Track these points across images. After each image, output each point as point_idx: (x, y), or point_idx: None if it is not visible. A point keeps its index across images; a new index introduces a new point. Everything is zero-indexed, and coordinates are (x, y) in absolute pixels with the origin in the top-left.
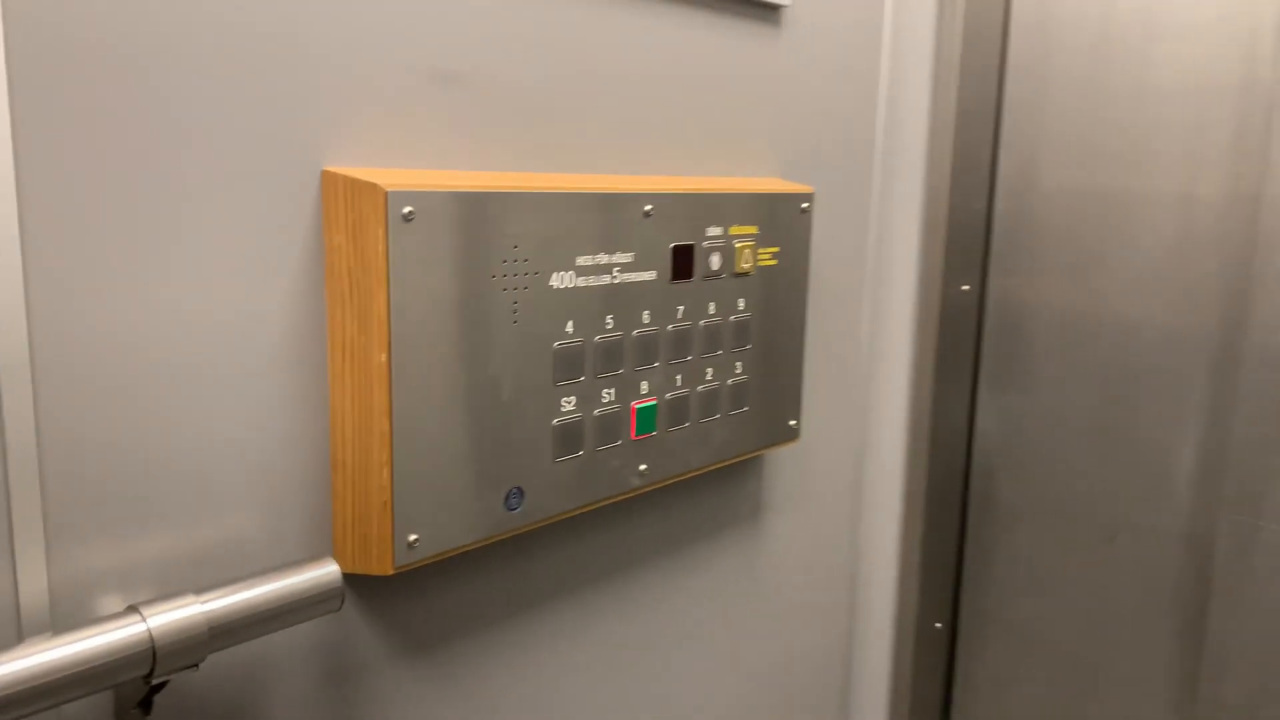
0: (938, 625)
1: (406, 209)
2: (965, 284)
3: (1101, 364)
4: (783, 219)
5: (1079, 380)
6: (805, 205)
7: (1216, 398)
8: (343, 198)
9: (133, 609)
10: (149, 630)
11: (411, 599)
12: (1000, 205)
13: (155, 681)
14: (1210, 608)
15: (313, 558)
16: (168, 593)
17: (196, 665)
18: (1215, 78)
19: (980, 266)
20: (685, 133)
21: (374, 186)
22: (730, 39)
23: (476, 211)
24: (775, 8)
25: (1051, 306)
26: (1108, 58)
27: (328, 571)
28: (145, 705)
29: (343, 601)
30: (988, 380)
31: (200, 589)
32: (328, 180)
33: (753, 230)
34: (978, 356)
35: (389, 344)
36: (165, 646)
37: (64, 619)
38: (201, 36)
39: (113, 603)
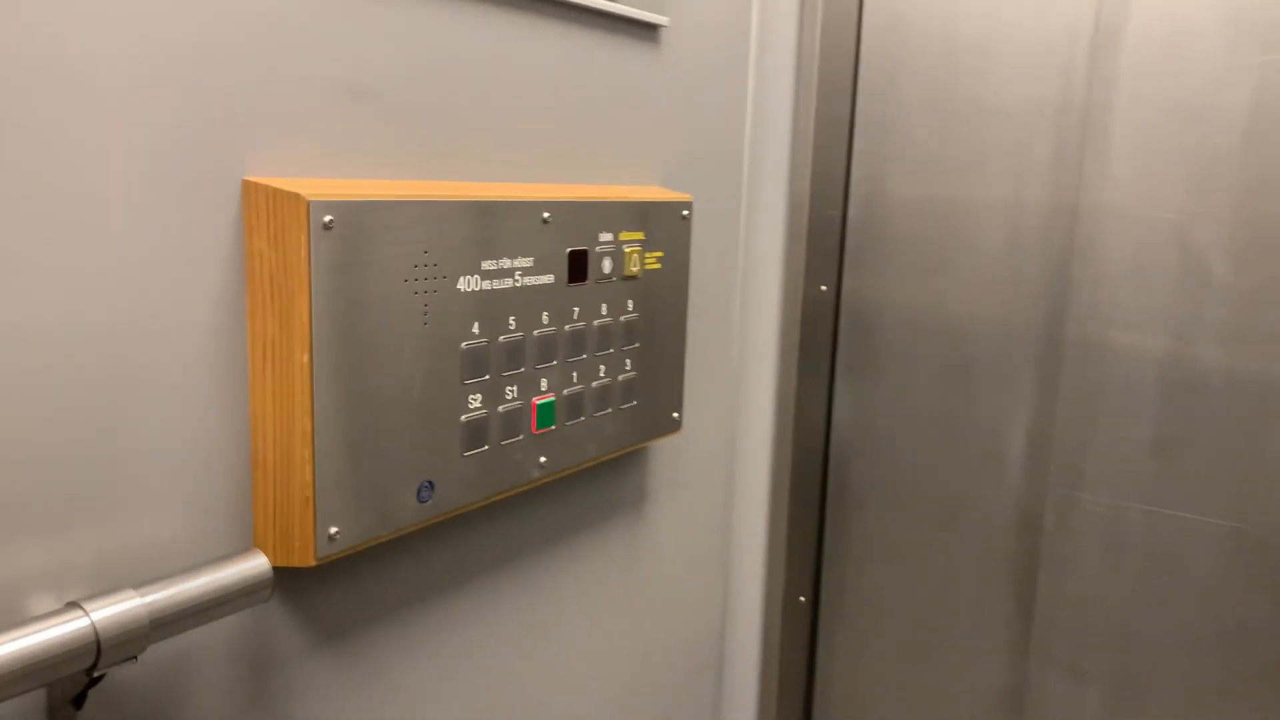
0: (801, 599)
1: (327, 218)
2: (823, 285)
3: (942, 356)
4: (666, 225)
5: (923, 372)
6: (685, 213)
7: (1041, 385)
8: (264, 206)
9: (74, 604)
10: (92, 624)
11: (329, 589)
12: (853, 213)
13: (96, 674)
14: (1039, 573)
15: (242, 551)
16: (104, 589)
17: (135, 658)
18: (1038, 100)
19: (836, 269)
20: (576, 144)
21: (297, 196)
22: (615, 56)
23: (390, 219)
24: (654, 27)
25: (899, 305)
26: (947, 81)
27: (258, 564)
28: (79, 700)
29: (272, 592)
30: (844, 372)
31: (135, 584)
32: (248, 189)
33: (640, 236)
34: (834, 351)
35: (310, 345)
36: (108, 640)
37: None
38: (129, 49)
39: (46, 601)
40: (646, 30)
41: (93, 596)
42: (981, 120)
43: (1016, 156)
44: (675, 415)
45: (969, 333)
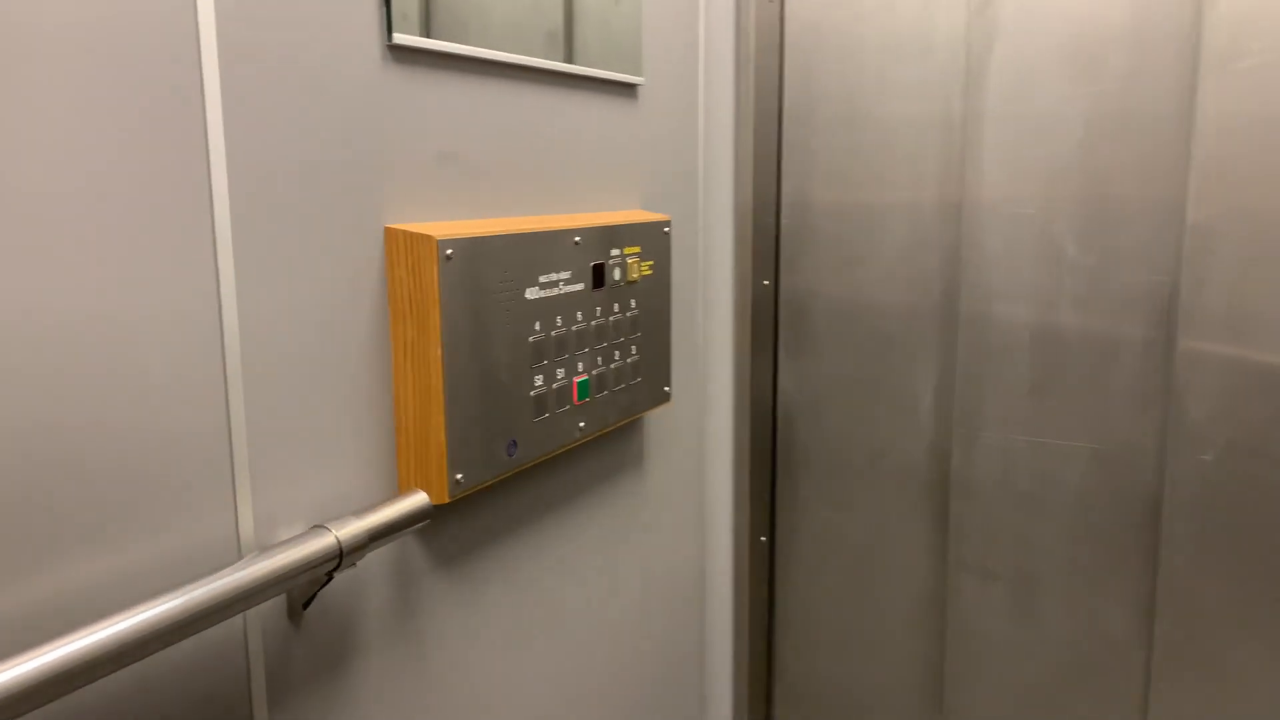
0: (762, 538)
1: (449, 251)
2: (765, 280)
3: (863, 335)
4: (652, 240)
5: (849, 346)
6: (666, 229)
7: (942, 350)
8: (403, 244)
9: (320, 526)
10: (336, 538)
11: (449, 524)
12: (785, 220)
13: (336, 573)
14: (950, 497)
15: (411, 492)
16: (329, 517)
17: (355, 564)
18: (928, 117)
19: (774, 267)
20: (587, 180)
21: (429, 237)
22: (611, 111)
23: (484, 250)
24: (634, 86)
25: (826, 293)
26: (854, 108)
27: (422, 499)
28: (308, 603)
29: (431, 518)
30: (785, 351)
31: (339, 516)
32: (389, 233)
33: (637, 250)
34: (776, 334)
35: (441, 343)
36: (346, 548)
37: (263, 539)
38: (309, 146)
39: (293, 528)
40: (629, 89)
41: (330, 520)
42: (883, 137)
43: (912, 166)
44: (666, 389)
45: (883, 312)
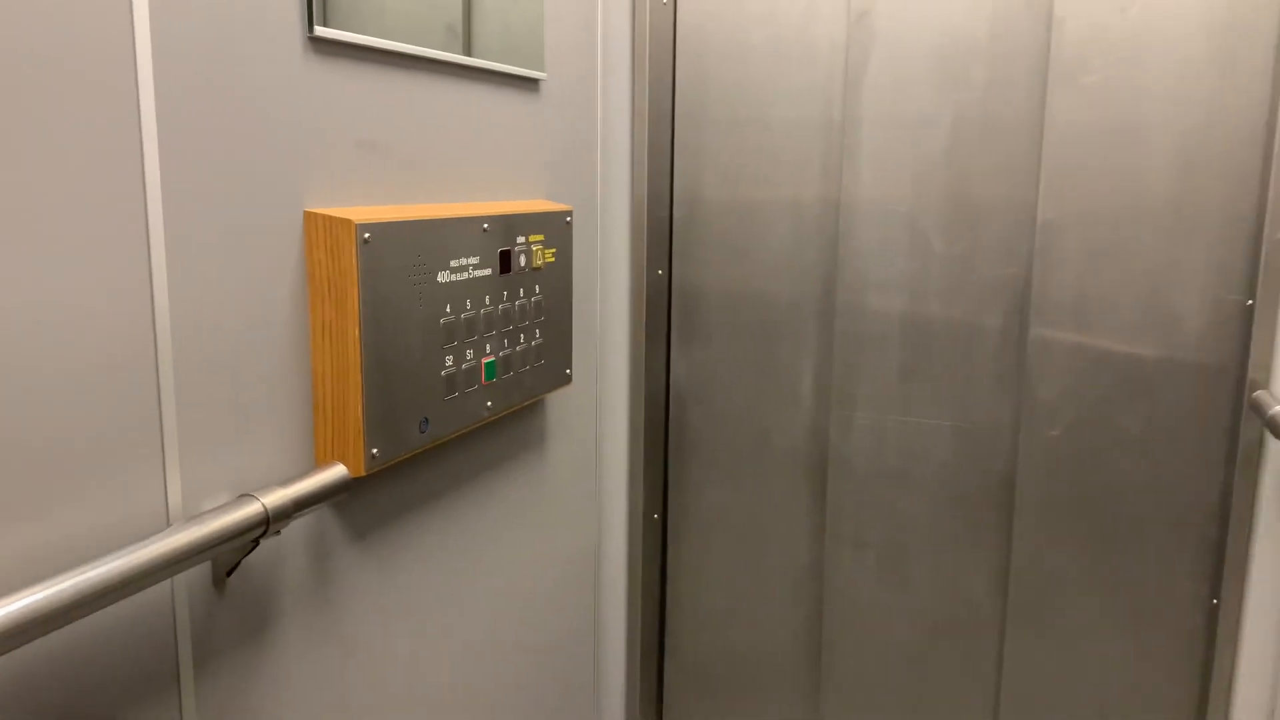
0: (655, 516)
1: (366, 235)
2: (660, 270)
3: (750, 323)
4: (556, 229)
5: (737, 334)
6: (568, 219)
7: (821, 337)
8: (322, 228)
9: (247, 495)
10: (263, 505)
11: (364, 497)
12: (678, 214)
13: (260, 541)
14: (828, 473)
15: (330, 465)
16: (253, 489)
17: (279, 531)
18: (810, 120)
19: (668, 258)
20: (494, 170)
21: (348, 221)
22: (516, 105)
23: (400, 234)
24: (537, 81)
25: (716, 284)
26: (742, 109)
27: (341, 470)
28: (231, 570)
29: (350, 490)
30: (678, 337)
31: (263, 487)
32: (309, 217)
33: (541, 238)
34: (670, 321)
35: (359, 323)
36: (273, 514)
37: (191, 510)
38: (236, 135)
39: (221, 498)
40: (532, 84)
41: (257, 490)
42: (769, 137)
43: (795, 164)
44: (568, 372)
45: (769, 302)
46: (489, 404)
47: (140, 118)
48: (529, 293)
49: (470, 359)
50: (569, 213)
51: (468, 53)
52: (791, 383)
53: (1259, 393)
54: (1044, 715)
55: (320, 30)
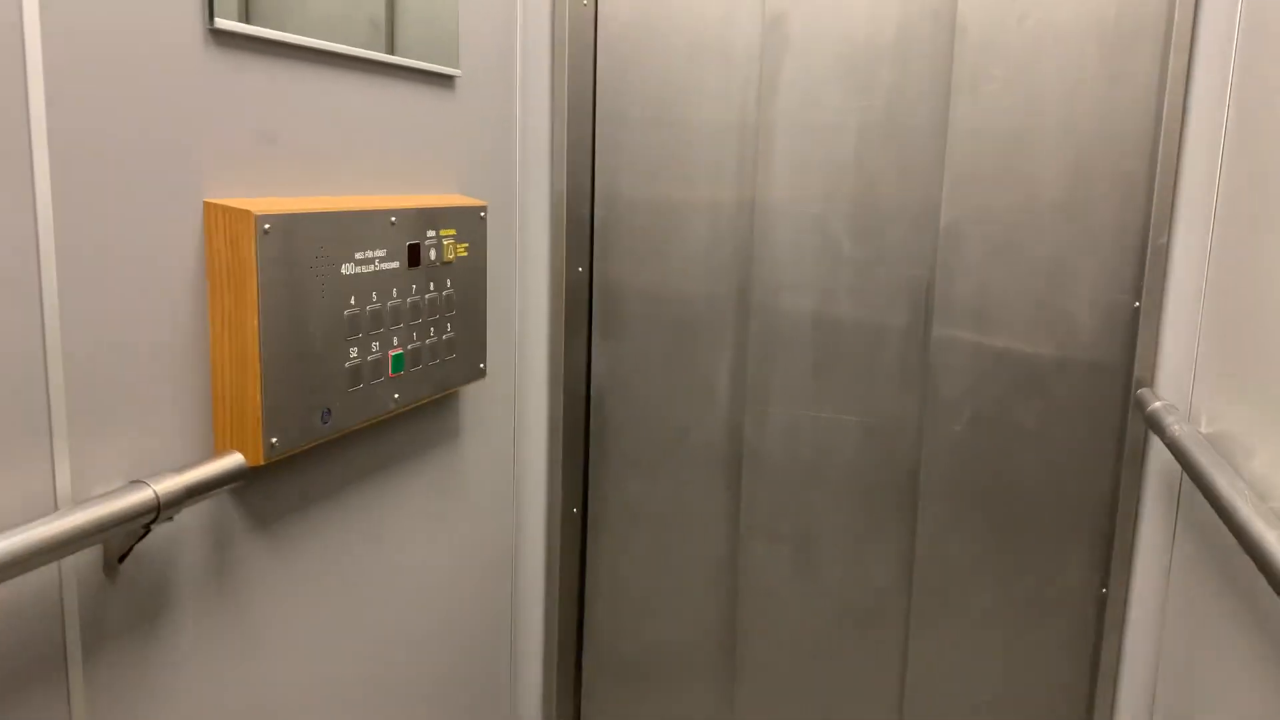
0: (574, 510)
1: (266, 226)
2: (580, 267)
3: (669, 320)
4: (469, 224)
5: (656, 332)
6: (483, 214)
7: (737, 335)
8: (221, 219)
9: (138, 481)
10: (155, 492)
11: (265, 486)
12: (599, 212)
13: (151, 527)
14: (743, 468)
15: (228, 452)
16: (146, 476)
17: (172, 518)
18: (727, 122)
19: (589, 255)
20: (405, 165)
21: (247, 212)
22: (428, 101)
23: (301, 226)
24: (451, 78)
25: (636, 281)
26: (663, 110)
27: (238, 458)
28: (123, 557)
29: (246, 478)
30: (598, 333)
31: (157, 474)
32: (208, 208)
33: (453, 232)
34: (590, 317)
35: (259, 313)
36: (164, 501)
37: (81, 495)
38: (137, 125)
39: (114, 484)
40: (447, 80)
41: (149, 477)
42: (688, 138)
43: (712, 166)
44: (481, 366)
45: (686, 300)
46: (396, 396)
47: (29, 106)
48: (440, 286)
49: (376, 351)
50: (483, 208)
51: (391, 48)
52: (708, 379)
53: (1142, 390)
54: (945, 700)
55: (221, 23)
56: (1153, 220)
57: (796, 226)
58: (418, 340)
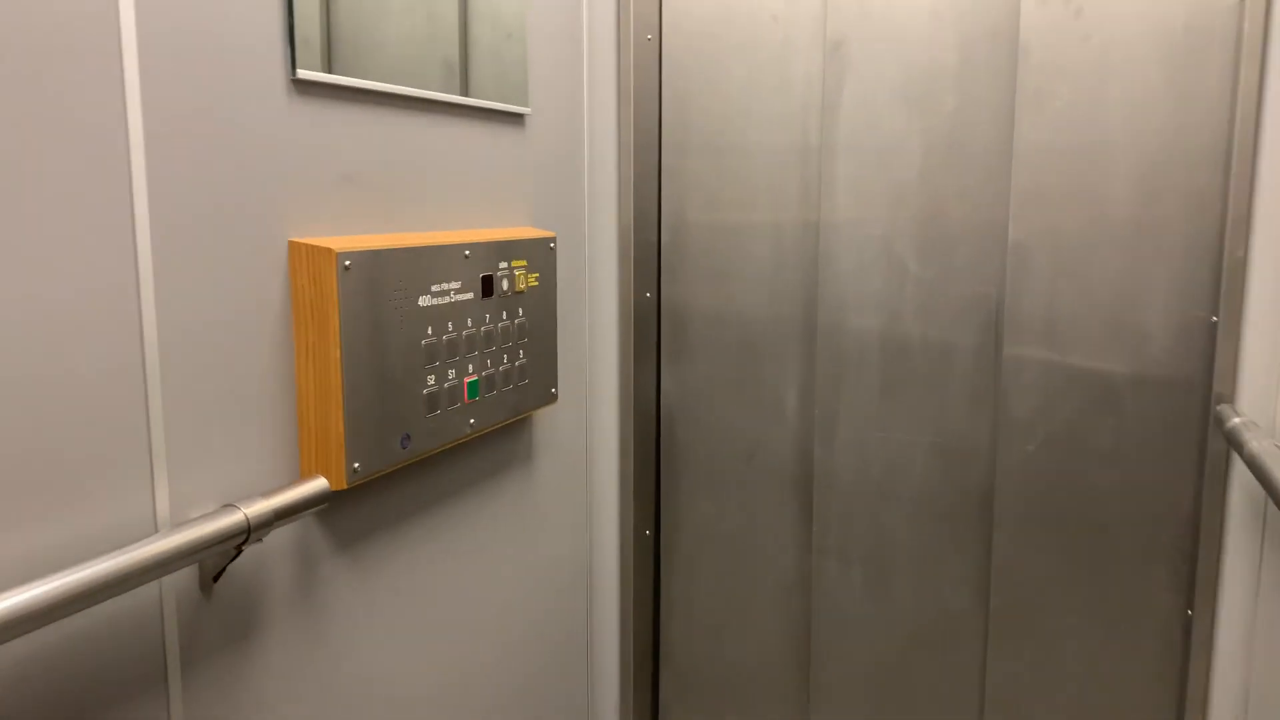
0: (647, 532)
1: (347, 262)
2: (648, 292)
3: (737, 342)
4: (539, 255)
5: (724, 354)
6: (552, 245)
7: (804, 356)
8: (305, 257)
9: (230, 505)
10: (245, 515)
11: (346, 509)
12: (665, 237)
13: (244, 548)
14: (814, 489)
15: (313, 478)
16: (237, 500)
17: (261, 539)
18: (788, 146)
19: (656, 279)
20: (478, 200)
21: (329, 250)
22: (499, 138)
23: (380, 261)
24: (521, 116)
25: (702, 304)
26: (723, 138)
27: (322, 483)
28: (218, 576)
29: (329, 501)
30: (666, 357)
31: (248, 498)
32: (293, 246)
33: (524, 263)
34: (659, 341)
35: (341, 344)
36: (254, 524)
37: (178, 518)
38: (220, 175)
39: (208, 508)
40: (517, 118)
41: (238, 500)
42: (749, 162)
43: (775, 189)
44: (553, 390)
45: (752, 322)
46: (472, 421)
47: (130, 155)
48: (512, 315)
49: (452, 378)
50: (552, 239)
51: (465, 89)
52: (777, 400)
53: (1222, 406)
54: None
55: (302, 73)
56: (1228, 233)
57: (861, 247)
58: (491, 367)
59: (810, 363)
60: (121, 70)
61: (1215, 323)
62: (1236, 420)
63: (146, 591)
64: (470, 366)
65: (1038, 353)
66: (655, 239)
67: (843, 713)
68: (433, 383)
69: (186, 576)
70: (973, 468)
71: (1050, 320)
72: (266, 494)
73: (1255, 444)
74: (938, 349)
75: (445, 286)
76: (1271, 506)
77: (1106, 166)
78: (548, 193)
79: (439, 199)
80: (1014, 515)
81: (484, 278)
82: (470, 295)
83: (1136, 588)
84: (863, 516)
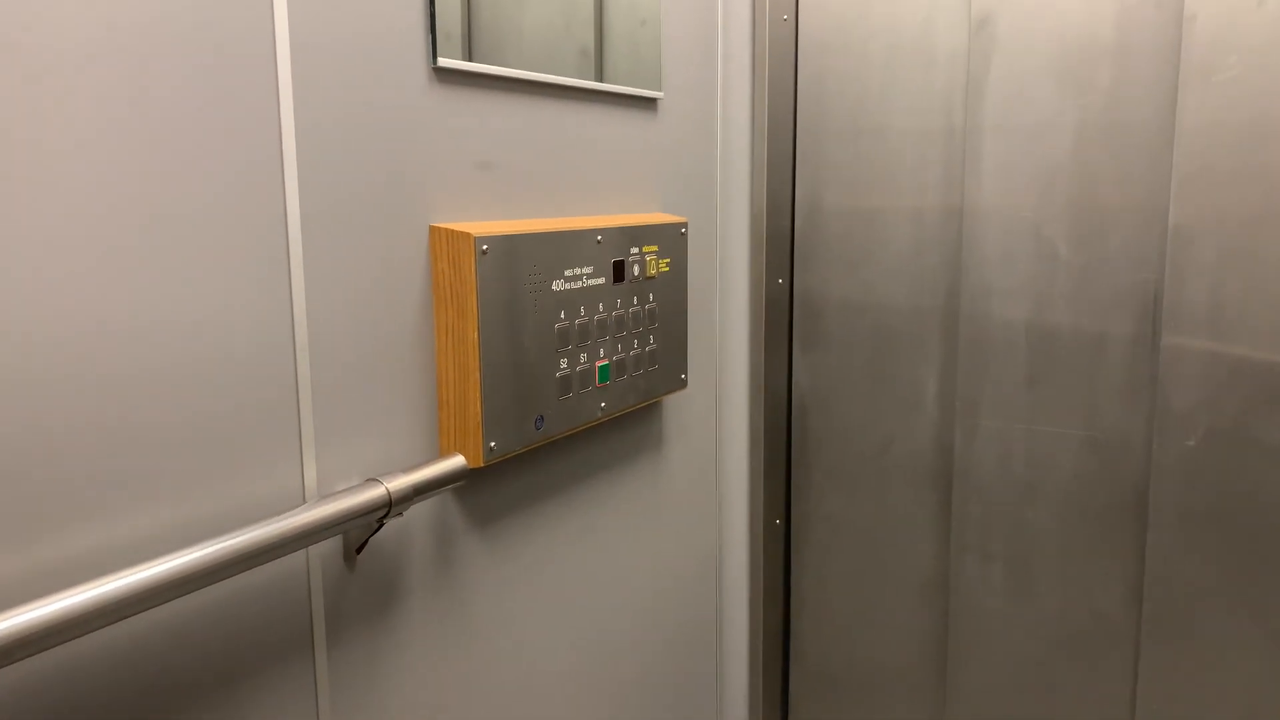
0: (778, 522)
1: (484, 247)
2: (780, 279)
3: (872, 330)
4: (670, 240)
5: (858, 342)
6: (683, 230)
7: (945, 345)
8: (445, 241)
9: (373, 479)
10: (386, 489)
11: (482, 487)
12: (799, 223)
13: (385, 521)
14: (953, 483)
15: (449, 455)
16: (379, 474)
17: (402, 513)
18: (931, 128)
19: (789, 267)
20: (611, 185)
21: (467, 234)
22: (631, 123)
23: (516, 246)
24: (654, 100)
25: (837, 292)
26: (861, 120)
27: (460, 460)
28: (360, 547)
29: (467, 478)
30: (799, 345)
31: (389, 472)
32: (433, 231)
33: (655, 248)
34: (791, 329)
35: (478, 326)
36: (395, 497)
37: (325, 491)
38: (371, 163)
39: (352, 481)
40: (650, 103)
41: (382, 475)
42: (888, 146)
43: (916, 172)
44: (683, 376)
45: (890, 310)
46: (603, 405)
47: (282, 146)
48: (643, 300)
49: (584, 362)
50: (684, 224)
51: (599, 74)
52: (914, 391)
53: None
54: None
55: (444, 61)
56: None
57: (1008, 231)
58: (622, 352)
59: (951, 353)
60: (275, 69)
61: None
62: None
63: (295, 561)
64: (601, 350)
65: (1200, 342)
66: (789, 225)
67: (981, 715)
68: (565, 366)
69: (332, 547)
70: (1126, 463)
71: (1215, 308)
72: (407, 470)
73: None
74: (1089, 338)
75: (578, 271)
76: None
77: (1279, 145)
78: (679, 177)
79: (572, 184)
80: (1171, 513)
81: (615, 263)
82: (602, 280)
83: None
84: (1005, 512)
